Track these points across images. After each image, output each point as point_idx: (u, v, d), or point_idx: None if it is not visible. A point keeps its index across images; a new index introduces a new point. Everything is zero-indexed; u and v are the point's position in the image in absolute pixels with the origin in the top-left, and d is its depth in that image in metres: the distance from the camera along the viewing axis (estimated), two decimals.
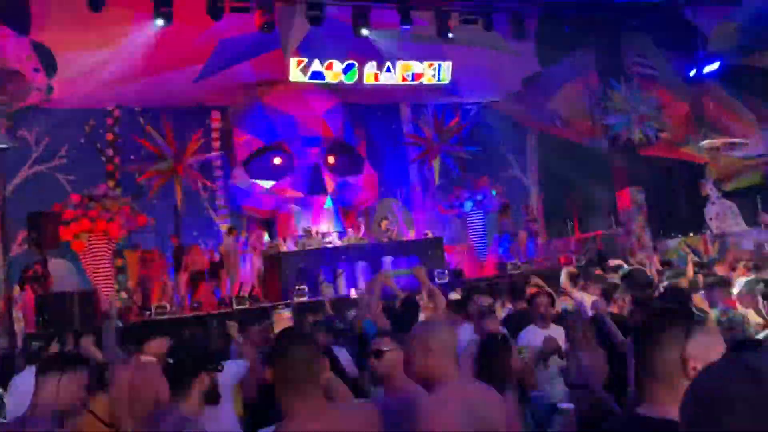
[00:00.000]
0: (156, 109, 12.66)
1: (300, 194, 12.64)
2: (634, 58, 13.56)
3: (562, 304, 5.64)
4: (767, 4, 11.48)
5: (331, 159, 12.95)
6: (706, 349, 1.51)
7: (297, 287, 10.63)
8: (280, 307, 4.36)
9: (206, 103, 13.22)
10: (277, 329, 4.32)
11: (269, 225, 13.10)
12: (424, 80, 13.55)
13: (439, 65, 13.43)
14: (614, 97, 13.05)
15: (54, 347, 5.42)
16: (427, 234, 13.22)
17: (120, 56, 10.73)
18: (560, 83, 13.83)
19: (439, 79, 13.62)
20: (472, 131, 15.40)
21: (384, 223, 12.71)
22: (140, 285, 11.61)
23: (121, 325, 3.99)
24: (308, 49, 12.22)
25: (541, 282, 6.45)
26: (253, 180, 12.73)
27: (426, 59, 13.28)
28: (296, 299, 10.30)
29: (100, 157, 12.49)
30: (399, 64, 13.16)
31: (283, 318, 4.38)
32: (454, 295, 6.92)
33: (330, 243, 11.98)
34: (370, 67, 12.97)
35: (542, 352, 4.16)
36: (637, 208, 13.36)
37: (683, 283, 5.93)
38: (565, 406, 2.59)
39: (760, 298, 4.14)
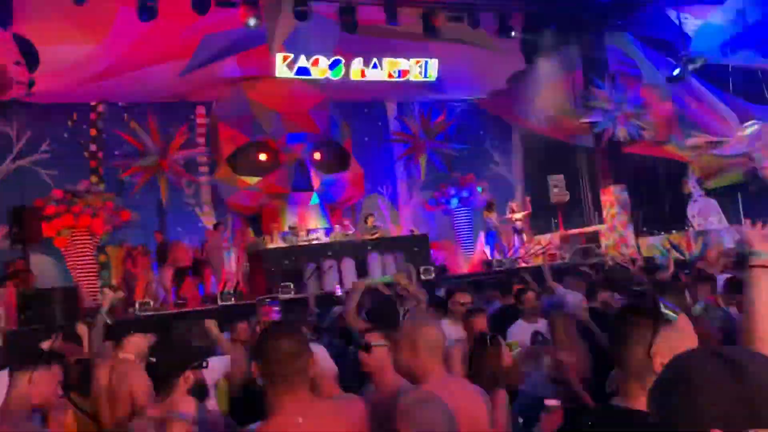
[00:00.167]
0: (140, 105, 12.55)
1: (285, 190, 12.60)
2: (617, 56, 13.68)
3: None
4: (749, 4, 11.62)
5: (317, 155, 12.91)
6: (673, 345, 1.55)
7: (282, 284, 10.60)
8: (267, 300, 4.33)
9: (191, 99, 13.12)
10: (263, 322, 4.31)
11: (254, 221, 13.05)
12: (411, 77, 13.56)
13: (426, 62, 13.45)
14: (598, 95, 13.15)
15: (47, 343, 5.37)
16: (413, 231, 13.24)
17: (104, 50, 10.62)
18: (545, 81, 13.91)
19: (425, 76, 13.64)
20: (458, 128, 15.45)
21: (370, 220, 12.71)
22: (125, 281, 11.52)
23: (109, 321, 3.94)
24: (294, 45, 12.18)
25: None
26: (238, 176, 12.66)
27: (413, 56, 13.30)
28: (281, 296, 10.27)
29: (83, 153, 12.34)
30: (386, 60, 13.15)
31: (271, 311, 4.36)
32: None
33: (316, 239, 11.96)
34: (357, 64, 12.96)
35: (533, 350, 4.19)
36: (621, 205, 13.50)
37: (665, 279, 6.00)
38: (551, 402, 2.60)
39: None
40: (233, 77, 12.62)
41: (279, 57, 12.30)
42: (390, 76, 13.37)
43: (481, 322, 4.06)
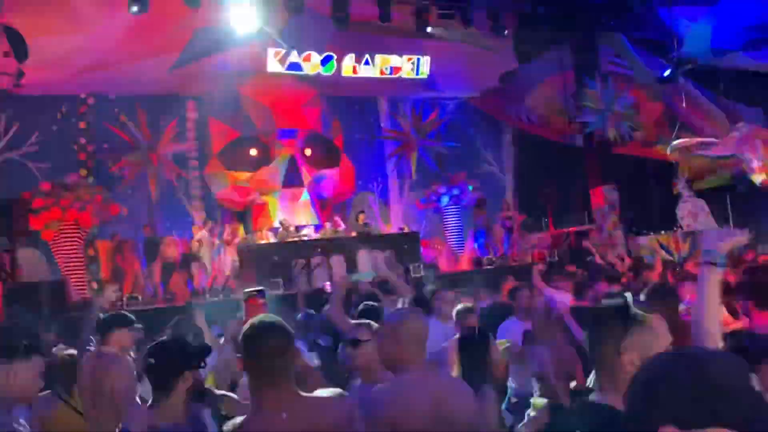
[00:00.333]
0: (130, 98, 12.46)
1: (276, 186, 12.56)
2: (609, 57, 13.72)
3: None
4: (741, 6, 11.68)
5: (307, 151, 12.88)
6: (644, 344, 1.64)
7: (271, 280, 10.58)
8: (254, 293, 4.29)
9: (182, 93, 13.04)
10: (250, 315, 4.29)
11: (244, 217, 13.00)
12: (403, 74, 13.54)
13: (418, 59, 13.44)
14: (589, 95, 13.18)
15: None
16: (403, 228, 13.24)
17: (94, 43, 10.52)
18: (537, 80, 13.93)
19: (417, 74, 13.63)
20: (450, 126, 15.46)
21: (362, 217, 12.70)
22: (114, 275, 11.45)
23: (101, 315, 3.90)
24: (286, 40, 12.12)
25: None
26: (229, 171, 12.61)
27: (405, 53, 13.28)
28: (270, 292, 10.23)
29: (72, 146, 12.24)
30: (378, 57, 13.13)
31: (257, 304, 4.34)
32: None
33: (306, 236, 11.94)
34: (349, 60, 12.92)
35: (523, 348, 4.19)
36: (610, 205, 13.55)
37: (653, 278, 6.04)
38: (537, 401, 2.62)
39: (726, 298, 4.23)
40: (224, 72, 12.55)
41: (271, 52, 12.25)
42: (382, 72, 13.34)
43: (472, 322, 4.05)
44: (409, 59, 13.38)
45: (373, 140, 15.12)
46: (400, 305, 3.99)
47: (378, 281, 5.71)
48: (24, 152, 11.74)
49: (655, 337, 1.69)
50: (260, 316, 2.09)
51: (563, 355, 3.29)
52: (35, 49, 10.11)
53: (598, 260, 8.66)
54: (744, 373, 1.01)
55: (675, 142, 13.62)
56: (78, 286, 10.63)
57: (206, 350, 2.59)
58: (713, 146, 13.68)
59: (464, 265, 13.61)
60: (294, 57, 12.48)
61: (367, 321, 2.89)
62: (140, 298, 10.22)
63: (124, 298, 10.05)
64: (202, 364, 2.56)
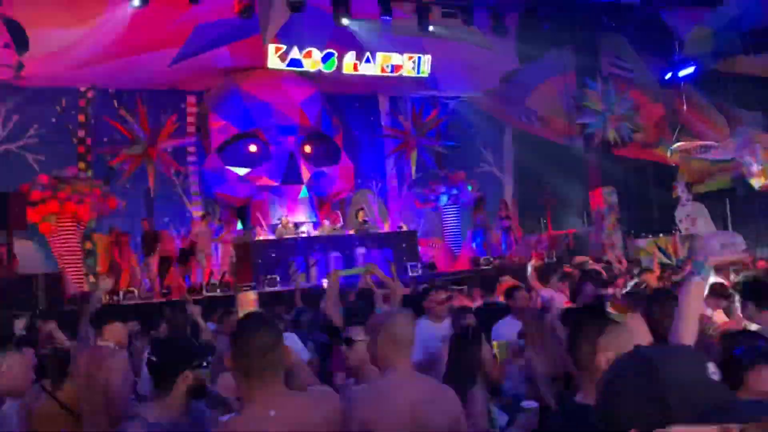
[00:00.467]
0: (130, 92, 12.45)
1: (275, 183, 12.54)
2: (611, 59, 13.72)
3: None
4: (742, 11, 11.67)
5: (307, 148, 12.85)
6: (617, 343, 1.68)
7: (268, 276, 10.58)
8: (246, 288, 4.31)
9: (182, 88, 13.03)
10: (242, 311, 4.28)
11: (243, 213, 12.99)
12: (404, 72, 13.52)
13: (419, 58, 13.41)
14: (590, 96, 13.18)
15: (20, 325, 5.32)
16: (401, 227, 13.24)
17: (95, 36, 10.51)
18: (538, 81, 13.92)
19: (418, 72, 13.60)
20: (450, 125, 15.44)
21: (361, 214, 12.69)
22: (111, 269, 11.43)
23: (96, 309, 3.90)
24: (287, 37, 12.11)
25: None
26: (228, 167, 12.59)
27: (406, 51, 13.26)
28: (267, 288, 10.24)
29: (71, 138, 12.23)
30: (379, 55, 13.10)
31: (249, 299, 4.34)
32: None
33: (304, 233, 11.93)
34: (350, 57, 12.90)
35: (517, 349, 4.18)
36: (609, 207, 13.54)
37: (651, 281, 6.02)
38: (527, 404, 2.60)
39: (724, 300, 4.23)
40: (225, 67, 12.55)
41: (271, 48, 12.23)
42: (383, 70, 13.31)
43: (468, 322, 4.03)
44: (410, 57, 13.36)
45: (372, 138, 15.10)
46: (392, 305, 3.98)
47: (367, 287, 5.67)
48: (23, 144, 11.72)
49: (630, 337, 1.70)
50: (249, 313, 2.08)
51: (553, 357, 3.28)
52: (36, 41, 10.10)
53: (593, 266, 8.63)
54: (700, 366, 1.00)
55: (675, 145, 13.61)
56: (74, 279, 10.62)
57: (208, 350, 2.58)
58: (713, 150, 13.68)
59: (462, 264, 13.60)
60: (295, 53, 12.46)
61: (359, 319, 2.88)
62: (137, 292, 10.20)
63: (121, 292, 10.05)
64: (204, 364, 2.55)
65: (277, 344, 1.98)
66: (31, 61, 10.34)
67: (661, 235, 13.01)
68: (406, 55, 13.31)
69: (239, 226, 12.62)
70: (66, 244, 10.70)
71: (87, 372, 3.62)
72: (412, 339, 2.28)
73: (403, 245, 12.38)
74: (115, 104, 12.35)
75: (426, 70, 13.57)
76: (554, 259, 12.40)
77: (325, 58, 12.72)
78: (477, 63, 13.39)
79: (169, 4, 10.27)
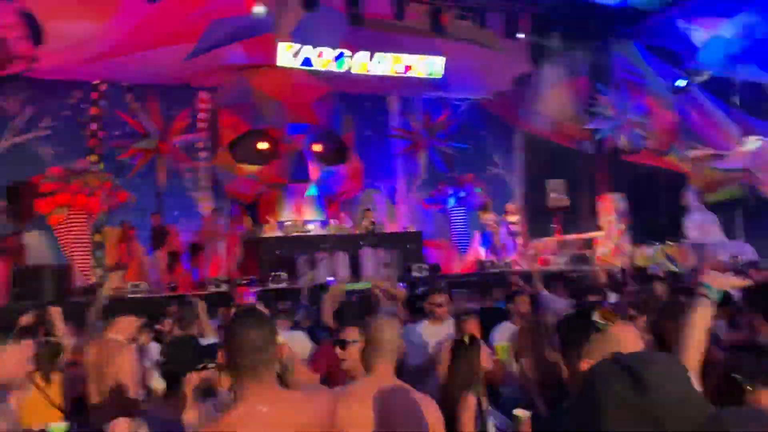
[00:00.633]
0: (143, 86, 12.52)
1: (284, 180, 12.58)
2: (623, 65, 13.65)
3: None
4: (756, 19, 11.59)
5: (317, 147, 12.88)
6: (602, 351, 1.65)
7: (274, 273, 10.61)
8: (243, 282, 4.31)
9: (194, 84, 13.09)
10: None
11: (252, 209, 13.03)
12: (416, 73, 13.52)
13: (432, 59, 13.41)
14: (602, 102, 13.12)
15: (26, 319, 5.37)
16: (407, 228, 13.24)
17: (109, 29, 10.57)
18: (550, 85, 13.87)
19: (430, 73, 13.60)
20: (460, 127, 15.42)
21: (369, 214, 12.70)
22: (119, 262, 11.51)
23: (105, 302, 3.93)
24: (301, 36, 12.14)
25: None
26: (238, 163, 12.64)
27: (418, 52, 13.26)
28: (273, 285, 10.28)
29: (83, 131, 12.32)
30: (391, 55, 13.11)
31: (247, 294, 4.38)
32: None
33: (311, 231, 11.96)
34: (362, 57, 12.92)
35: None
36: (618, 214, 13.48)
37: (659, 289, 5.99)
38: (520, 412, 2.58)
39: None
40: (238, 64, 12.59)
41: (283, 46, 12.26)
42: (395, 71, 13.32)
43: (473, 325, 4.01)
44: (422, 58, 13.36)
45: (382, 138, 15.10)
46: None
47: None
48: (35, 136, 11.82)
49: (616, 344, 1.68)
50: (244, 308, 2.10)
51: (545, 364, 3.27)
52: (50, 33, 10.18)
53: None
54: (681, 376, 0.99)
55: (687, 153, 13.54)
56: (83, 271, 10.70)
57: (214, 351, 2.61)
58: (725, 158, 13.60)
59: (468, 267, 13.59)
60: (307, 52, 12.49)
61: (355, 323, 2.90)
62: (144, 285, 10.27)
63: (128, 286, 10.11)
64: (211, 365, 2.58)
65: (270, 341, 1.98)
66: (45, 54, 10.43)
67: (669, 242, 12.95)
68: (418, 56, 13.30)
69: (248, 222, 12.66)
70: (75, 237, 10.78)
71: (97, 362, 3.68)
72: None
73: (409, 246, 12.40)
74: (128, 98, 12.42)
75: (438, 71, 13.56)
76: (561, 265, 12.37)
77: (337, 58, 12.75)
78: (489, 65, 13.37)
79: None
